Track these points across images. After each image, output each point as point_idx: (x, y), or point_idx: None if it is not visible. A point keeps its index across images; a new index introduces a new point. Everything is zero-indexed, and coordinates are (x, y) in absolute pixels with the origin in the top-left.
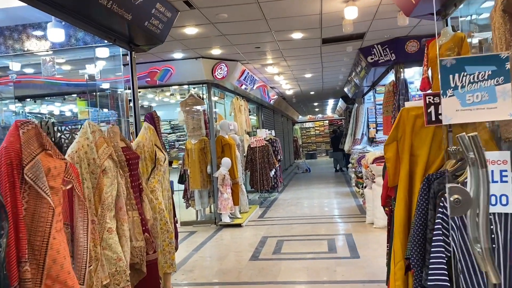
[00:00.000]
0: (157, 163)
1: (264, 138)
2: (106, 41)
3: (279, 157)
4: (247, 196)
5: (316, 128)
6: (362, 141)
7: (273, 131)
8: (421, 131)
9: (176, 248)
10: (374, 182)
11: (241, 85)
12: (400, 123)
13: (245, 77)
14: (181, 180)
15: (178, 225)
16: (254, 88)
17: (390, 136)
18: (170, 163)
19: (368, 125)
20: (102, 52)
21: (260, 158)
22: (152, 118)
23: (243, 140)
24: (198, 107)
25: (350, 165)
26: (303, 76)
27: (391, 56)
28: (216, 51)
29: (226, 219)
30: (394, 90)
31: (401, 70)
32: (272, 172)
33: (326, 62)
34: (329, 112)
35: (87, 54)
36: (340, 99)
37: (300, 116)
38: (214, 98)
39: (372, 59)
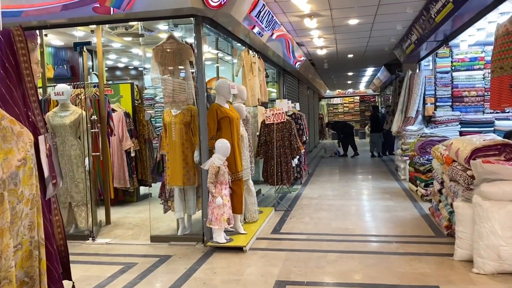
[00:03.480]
0: None
1: (286, 112)
2: None
3: (304, 138)
4: (259, 191)
5: (345, 105)
6: (417, 120)
7: (297, 104)
8: None
9: None
10: (471, 189)
11: (253, 27)
12: None
13: (259, 12)
14: (157, 170)
15: None
16: (274, 37)
17: None
18: None
19: (424, 100)
20: None
21: (279, 141)
22: (9, 42)
23: (257, 114)
24: (183, 58)
25: (398, 151)
26: (346, 24)
27: None
28: None
29: (219, 238)
30: None
31: None
32: (295, 161)
33: None
34: (362, 87)
35: None
36: (383, 67)
37: (328, 91)
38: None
39: None
